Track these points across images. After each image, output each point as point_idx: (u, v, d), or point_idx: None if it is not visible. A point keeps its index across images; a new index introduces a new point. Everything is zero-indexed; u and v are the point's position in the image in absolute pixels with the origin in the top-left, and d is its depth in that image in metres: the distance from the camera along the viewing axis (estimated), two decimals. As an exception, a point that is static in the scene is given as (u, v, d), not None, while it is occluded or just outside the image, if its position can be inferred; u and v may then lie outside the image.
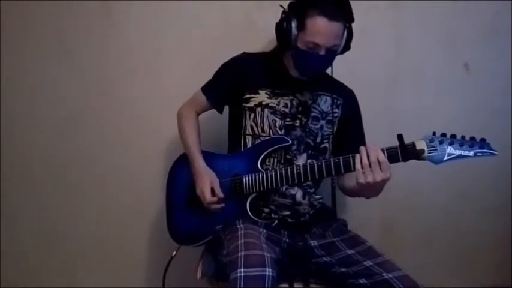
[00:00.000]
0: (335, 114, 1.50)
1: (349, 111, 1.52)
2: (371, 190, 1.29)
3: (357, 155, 1.24)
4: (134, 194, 1.89)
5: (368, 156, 1.22)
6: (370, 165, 1.21)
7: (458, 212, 1.91)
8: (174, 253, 1.56)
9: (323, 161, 1.33)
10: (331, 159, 1.31)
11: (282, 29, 1.37)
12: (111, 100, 1.87)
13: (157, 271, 1.61)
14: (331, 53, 1.37)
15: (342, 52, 1.41)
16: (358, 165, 1.23)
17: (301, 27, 1.34)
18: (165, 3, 1.83)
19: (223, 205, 1.42)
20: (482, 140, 1.21)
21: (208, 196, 1.40)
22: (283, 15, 1.39)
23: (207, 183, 1.42)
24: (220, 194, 1.42)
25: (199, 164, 1.46)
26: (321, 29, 1.32)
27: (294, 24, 1.35)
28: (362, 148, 1.24)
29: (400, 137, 1.23)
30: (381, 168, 1.21)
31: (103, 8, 1.83)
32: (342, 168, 1.29)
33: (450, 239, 1.92)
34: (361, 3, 1.77)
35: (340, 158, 1.30)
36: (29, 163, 1.90)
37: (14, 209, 1.90)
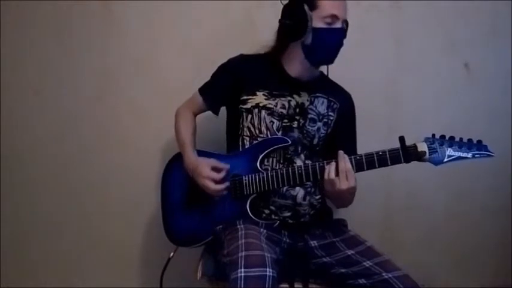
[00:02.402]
0: (331, 118, 1.50)
1: (344, 116, 1.52)
2: (338, 199, 1.39)
3: (326, 164, 1.30)
4: (133, 194, 1.89)
5: (337, 166, 1.27)
6: (337, 175, 1.27)
7: (458, 212, 1.91)
8: (171, 254, 1.56)
9: (325, 162, 1.32)
10: (333, 161, 1.31)
11: (294, 15, 1.37)
12: (111, 100, 1.87)
13: (156, 271, 1.61)
14: (345, 30, 1.39)
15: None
16: (330, 175, 1.28)
17: (313, 7, 1.36)
18: (165, 3, 1.83)
19: (228, 184, 1.40)
20: (479, 142, 1.23)
21: (215, 175, 1.38)
22: (287, 7, 1.40)
23: (206, 167, 1.39)
24: (226, 166, 1.40)
25: (190, 157, 1.45)
26: (335, 0, 1.36)
27: (306, 7, 1.36)
28: (333, 160, 1.29)
29: (401, 139, 1.25)
30: (346, 177, 1.26)
31: (103, 8, 1.84)
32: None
33: (450, 239, 1.92)
34: (361, 3, 1.78)
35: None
36: (28, 163, 1.89)
37: (14, 209, 1.90)
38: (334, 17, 1.35)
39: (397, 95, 1.87)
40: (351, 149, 1.47)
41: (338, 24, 1.36)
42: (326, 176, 1.29)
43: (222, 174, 1.40)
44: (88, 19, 1.84)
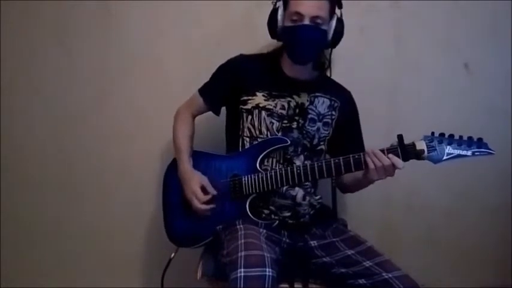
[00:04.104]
0: (332, 117, 1.50)
1: (346, 114, 1.52)
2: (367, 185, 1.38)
3: (366, 155, 1.27)
4: (134, 194, 1.89)
5: (379, 159, 1.25)
6: (383, 167, 1.25)
7: (459, 212, 1.91)
8: (172, 255, 1.56)
9: (323, 161, 1.33)
10: (332, 160, 1.31)
11: (271, 16, 1.42)
12: (111, 100, 1.87)
13: (156, 272, 1.61)
14: (318, 28, 1.37)
15: (336, 39, 1.41)
16: (371, 165, 1.26)
17: (285, 7, 1.40)
18: (165, 3, 1.83)
19: (213, 206, 1.41)
20: (480, 139, 1.22)
21: (201, 195, 1.39)
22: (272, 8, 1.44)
23: (196, 185, 1.41)
24: (214, 191, 1.41)
25: (185, 167, 1.46)
26: None
27: (280, 7, 1.40)
28: (370, 152, 1.27)
29: (400, 137, 1.24)
30: (393, 170, 1.26)
31: (103, 8, 1.84)
32: (343, 169, 1.30)
33: (450, 239, 1.92)
34: (361, 3, 1.78)
35: (341, 158, 1.30)
36: (28, 163, 1.90)
37: (14, 209, 1.90)
38: (298, 14, 1.36)
39: (397, 95, 1.87)
40: (358, 146, 1.48)
41: (305, 21, 1.36)
42: (372, 166, 1.26)
43: (207, 197, 1.40)
44: (88, 19, 1.84)
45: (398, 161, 1.24)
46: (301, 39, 1.38)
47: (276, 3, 1.43)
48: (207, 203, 1.41)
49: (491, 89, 1.88)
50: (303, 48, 1.40)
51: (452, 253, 1.93)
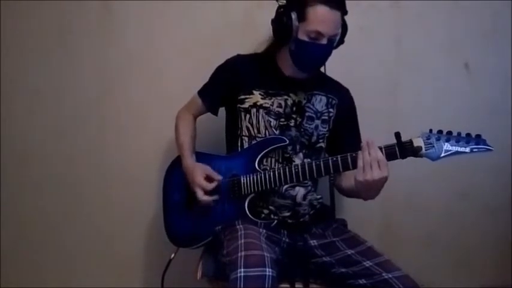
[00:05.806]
0: (330, 114, 1.50)
1: (344, 111, 1.52)
2: (369, 190, 1.27)
3: (359, 152, 1.24)
4: (134, 195, 1.89)
5: (369, 154, 1.22)
6: (369, 163, 1.21)
7: (458, 212, 1.91)
8: (172, 255, 1.56)
9: (321, 159, 1.33)
10: (329, 158, 1.31)
11: (282, 21, 1.36)
12: (111, 100, 1.87)
13: (156, 272, 1.61)
14: (331, 44, 1.37)
15: (337, 46, 1.41)
16: (360, 162, 1.23)
17: (301, 17, 1.34)
18: (165, 3, 1.83)
19: (217, 197, 1.42)
20: (478, 136, 1.21)
21: (205, 184, 1.40)
22: (280, 10, 1.39)
23: (199, 175, 1.42)
24: (218, 177, 1.42)
25: (188, 162, 1.47)
26: (323, 17, 1.32)
27: (294, 16, 1.34)
28: (364, 145, 1.24)
29: (397, 135, 1.23)
30: (379, 166, 1.21)
31: (103, 8, 1.84)
32: (341, 166, 1.29)
33: (450, 239, 1.92)
34: (361, 3, 1.78)
35: (339, 156, 1.30)
36: (28, 163, 1.89)
37: (14, 209, 1.90)
38: (319, 34, 1.33)
39: (397, 95, 1.87)
40: (356, 143, 1.47)
41: (323, 41, 1.34)
42: (360, 163, 1.23)
43: (213, 185, 1.41)
44: (88, 19, 1.84)
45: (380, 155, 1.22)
46: (316, 57, 1.39)
47: (286, 6, 1.38)
48: (211, 192, 1.41)
49: (491, 89, 1.88)
50: (313, 63, 1.42)
51: (452, 253, 1.93)
